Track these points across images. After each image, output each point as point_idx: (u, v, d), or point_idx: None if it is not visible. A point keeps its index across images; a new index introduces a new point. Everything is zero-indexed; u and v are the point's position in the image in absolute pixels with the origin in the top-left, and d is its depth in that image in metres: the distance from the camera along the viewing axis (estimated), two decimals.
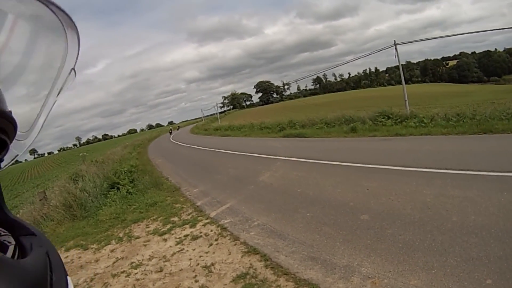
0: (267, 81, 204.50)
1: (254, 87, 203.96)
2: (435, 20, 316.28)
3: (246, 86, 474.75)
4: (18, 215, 9.87)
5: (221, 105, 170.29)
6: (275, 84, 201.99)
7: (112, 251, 6.97)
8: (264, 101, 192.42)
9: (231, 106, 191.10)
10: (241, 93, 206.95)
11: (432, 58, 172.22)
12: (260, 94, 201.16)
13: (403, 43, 21.21)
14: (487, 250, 4.04)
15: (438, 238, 4.58)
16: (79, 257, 6.98)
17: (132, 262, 6.11)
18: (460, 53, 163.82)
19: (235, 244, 5.93)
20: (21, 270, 0.60)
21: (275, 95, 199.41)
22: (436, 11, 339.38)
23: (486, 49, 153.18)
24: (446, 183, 6.73)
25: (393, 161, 9.34)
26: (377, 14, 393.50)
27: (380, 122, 17.29)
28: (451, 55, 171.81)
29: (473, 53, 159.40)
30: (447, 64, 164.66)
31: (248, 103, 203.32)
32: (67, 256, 7.14)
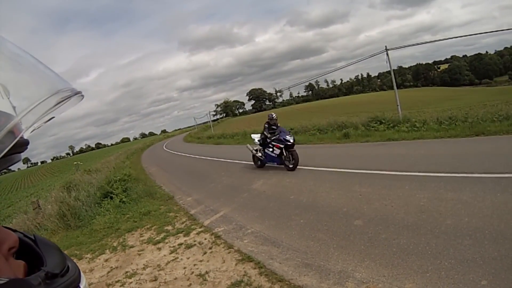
0: (260, 89, 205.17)
1: (247, 95, 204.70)
2: (426, 25, 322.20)
3: (239, 94, 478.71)
4: (11, 224, 9.86)
5: (214, 113, 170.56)
6: (268, 92, 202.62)
7: (106, 260, 6.93)
8: (257, 108, 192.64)
9: (224, 114, 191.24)
10: (234, 101, 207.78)
11: (424, 63, 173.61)
12: (252, 102, 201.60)
13: (394, 48, 21.25)
14: (482, 252, 4.07)
15: (432, 241, 4.59)
16: None
17: (127, 272, 6.07)
18: (452, 56, 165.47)
19: (229, 252, 5.90)
20: None
21: (267, 103, 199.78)
22: (426, 16, 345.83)
23: (477, 52, 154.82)
24: (439, 187, 6.76)
25: (386, 166, 9.36)
26: (368, 21, 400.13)
27: (373, 127, 17.40)
28: (443, 59, 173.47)
29: (465, 56, 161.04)
30: (439, 68, 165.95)
31: (241, 110, 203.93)
32: None
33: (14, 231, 0.75)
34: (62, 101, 0.67)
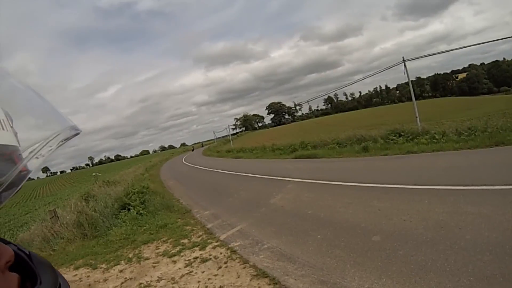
0: (279, 102, 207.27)
1: (266, 109, 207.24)
2: (440, 34, 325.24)
3: (257, 108, 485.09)
4: (29, 232, 10.10)
5: (233, 127, 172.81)
6: (287, 105, 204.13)
7: (121, 271, 7.00)
8: (276, 122, 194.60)
9: (243, 128, 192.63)
10: (253, 115, 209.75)
11: (442, 72, 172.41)
12: (272, 116, 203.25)
13: (411, 59, 21.08)
14: (502, 268, 3.94)
15: (451, 258, 4.47)
16: (88, 276, 7.04)
17: (141, 283, 6.11)
18: (469, 65, 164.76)
19: (244, 267, 5.86)
20: None
21: (287, 116, 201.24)
22: (439, 25, 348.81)
23: (494, 60, 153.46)
24: (459, 200, 6.63)
25: (405, 179, 9.24)
26: (381, 33, 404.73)
27: (392, 140, 17.20)
28: (460, 67, 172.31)
29: (482, 64, 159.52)
30: (457, 77, 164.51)
31: (260, 124, 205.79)
32: (75, 275, 7.21)
33: (8, 242, 0.74)
34: (65, 140, 0.68)
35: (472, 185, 7.31)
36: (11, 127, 0.62)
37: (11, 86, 0.68)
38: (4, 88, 0.66)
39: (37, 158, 0.62)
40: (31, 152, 0.61)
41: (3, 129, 0.58)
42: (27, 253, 0.77)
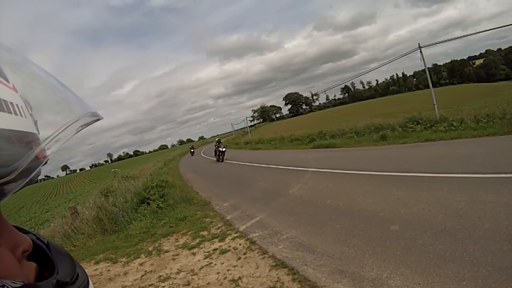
0: (296, 93, 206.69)
1: (283, 99, 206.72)
2: (454, 20, 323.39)
3: (274, 99, 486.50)
4: (49, 229, 10.26)
5: (251, 118, 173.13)
6: (304, 95, 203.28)
7: (141, 264, 7.11)
8: (294, 112, 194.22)
9: (261, 119, 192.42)
10: (271, 106, 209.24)
11: (459, 59, 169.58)
12: (289, 106, 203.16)
13: (427, 46, 20.69)
14: None
15: (470, 247, 4.42)
16: (108, 270, 7.16)
17: (160, 276, 6.19)
18: (486, 50, 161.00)
19: (263, 258, 5.89)
20: None
21: (304, 106, 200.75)
22: (453, 11, 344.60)
23: (511, 45, 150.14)
24: (478, 188, 6.52)
25: (423, 168, 9.13)
26: (395, 20, 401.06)
27: (410, 128, 17.03)
28: (477, 53, 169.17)
29: (499, 49, 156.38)
30: (474, 64, 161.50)
31: (278, 115, 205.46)
32: (96, 269, 7.35)
33: (27, 232, 0.76)
34: (84, 126, 0.68)
35: (491, 173, 7.18)
36: (31, 114, 0.63)
37: (30, 72, 0.69)
38: (24, 75, 0.67)
39: (56, 142, 0.62)
40: (49, 137, 0.61)
41: (21, 115, 0.59)
42: (46, 242, 0.80)
